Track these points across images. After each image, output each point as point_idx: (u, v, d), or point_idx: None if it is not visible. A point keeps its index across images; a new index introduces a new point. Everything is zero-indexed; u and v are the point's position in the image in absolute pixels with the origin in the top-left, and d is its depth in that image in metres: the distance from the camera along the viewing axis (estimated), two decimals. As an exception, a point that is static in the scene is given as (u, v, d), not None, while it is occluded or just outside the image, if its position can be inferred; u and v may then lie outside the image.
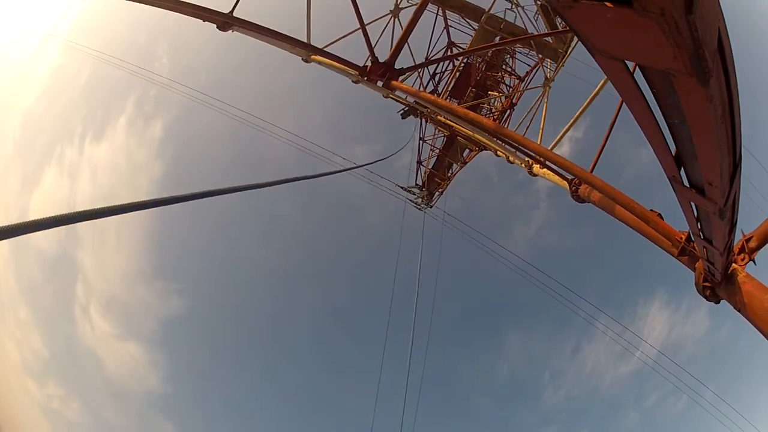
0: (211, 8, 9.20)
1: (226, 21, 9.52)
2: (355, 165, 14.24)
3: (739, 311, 5.00)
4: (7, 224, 2.85)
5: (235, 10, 9.58)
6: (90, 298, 70.96)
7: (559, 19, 16.89)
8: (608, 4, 1.47)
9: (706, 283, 5.45)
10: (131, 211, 3.86)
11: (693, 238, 5.10)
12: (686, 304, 63.59)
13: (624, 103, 7.95)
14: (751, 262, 4.99)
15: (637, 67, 2.04)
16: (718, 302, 5.51)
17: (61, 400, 66.71)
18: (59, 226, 3.08)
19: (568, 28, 15.29)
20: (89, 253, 72.63)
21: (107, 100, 77.90)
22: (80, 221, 3.35)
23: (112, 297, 72.59)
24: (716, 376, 57.72)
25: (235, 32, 10.67)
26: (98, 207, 3.54)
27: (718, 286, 5.20)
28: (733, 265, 4.97)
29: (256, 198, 74.53)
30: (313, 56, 12.79)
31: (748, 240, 4.99)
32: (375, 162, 18.89)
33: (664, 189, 3.23)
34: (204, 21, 9.69)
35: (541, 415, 68.57)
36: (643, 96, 2.18)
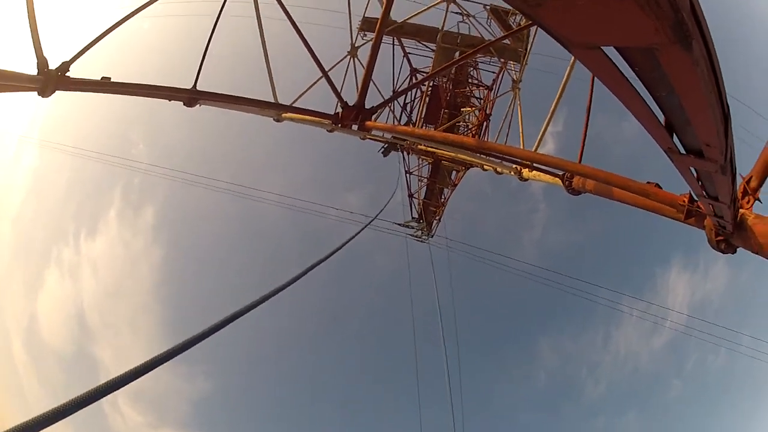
0: (174, 86, 9.17)
1: (191, 96, 9.44)
2: (367, 222, 14.22)
3: (757, 253, 4.94)
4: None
5: (197, 84, 9.58)
6: (117, 392, 70.57)
7: (513, 18, 17.01)
8: None
9: (719, 237, 5.40)
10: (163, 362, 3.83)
11: (697, 198, 5.05)
12: (703, 262, 65.58)
13: (594, 86, 8.02)
14: (757, 201, 4.94)
15: (615, 49, 2.01)
16: (734, 252, 5.43)
17: (101, 489, 66.70)
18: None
19: (523, 25, 15.42)
20: (106, 348, 72.69)
21: (93, 194, 79.78)
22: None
23: (138, 387, 72.23)
24: (750, 319, 59.44)
25: (203, 106, 10.69)
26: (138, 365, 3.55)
27: (731, 236, 5.12)
28: (741, 210, 4.91)
29: (262, 265, 74.76)
30: (283, 114, 12.81)
31: (748, 181, 4.90)
32: (380, 212, 18.90)
33: (658, 155, 3.22)
34: (170, 101, 9.68)
35: (586, 410, 69.10)
36: (627, 79, 2.12)
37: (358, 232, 11.01)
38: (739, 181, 4.72)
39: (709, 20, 1.74)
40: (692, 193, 5.17)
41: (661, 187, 6.14)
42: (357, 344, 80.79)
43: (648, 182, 6.22)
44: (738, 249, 5.34)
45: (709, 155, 2.79)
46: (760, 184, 4.80)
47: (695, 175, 3.56)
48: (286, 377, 77.01)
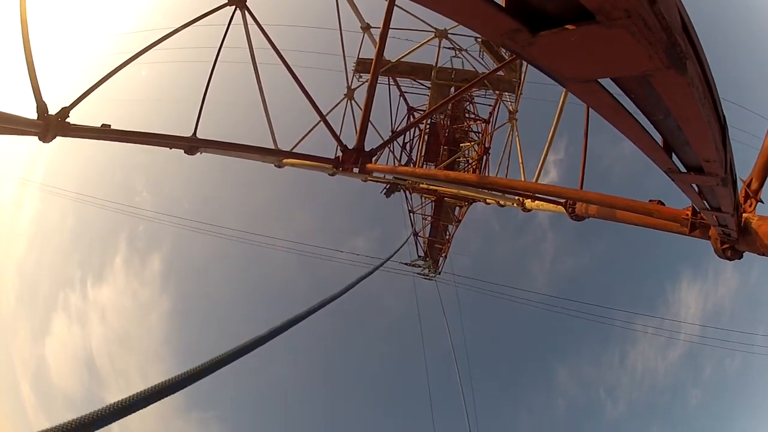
0: (174, 134, 9.20)
1: (191, 145, 9.55)
2: (377, 264, 14.11)
3: (763, 255, 4.89)
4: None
5: (197, 132, 9.63)
6: (129, 438, 70.64)
7: (504, 49, 16.99)
8: (570, 26, 1.43)
9: (725, 245, 5.35)
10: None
11: (699, 210, 5.02)
12: (712, 270, 65.43)
13: (589, 113, 8.03)
14: (759, 202, 4.91)
15: (610, 78, 1.98)
16: (741, 257, 5.39)
17: None
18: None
19: (515, 56, 15.38)
20: (117, 393, 71.45)
21: (98, 241, 79.58)
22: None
23: (149, 433, 71.73)
24: (764, 317, 59.18)
25: (203, 154, 10.72)
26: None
27: (736, 242, 5.08)
28: (744, 215, 4.88)
29: (271, 311, 74.47)
30: (284, 160, 12.86)
31: (749, 184, 4.86)
32: (394, 254, 18.92)
33: (659, 170, 3.21)
34: (171, 149, 9.76)
35: (608, 430, 68.11)
36: (624, 108, 2.11)
37: (372, 272, 10.93)
38: (739, 185, 4.70)
39: (697, 19, 1.74)
40: (694, 206, 5.16)
41: (663, 204, 6.11)
42: (370, 382, 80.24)
43: (650, 200, 6.19)
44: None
45: (710, 170, 2.78)
46: (761, 185, 4.77)
47: (696, 189, 3.55)
48: (298, 419, 76.37)
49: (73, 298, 75.64)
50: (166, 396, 3.55)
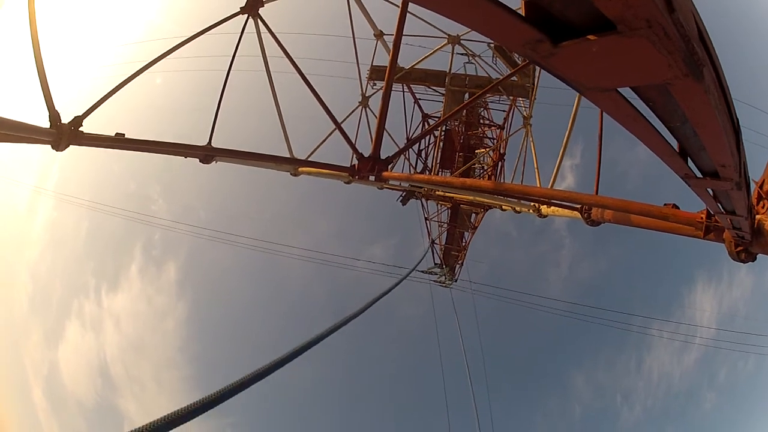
0: (189, 143, 9.23)
1: (206, 154, 9.51)
2: (403, 275, 14.03)
3: None
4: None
5: (212, 141, 9.63)
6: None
7: (517, 54, 16.95)
8: (591, 37, 1.43)
9: (738, 248, 5.34)
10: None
11: (713, 214, 4.99)
12: (726, 273, 65.59)
13: (603, 117, 8.00)
14: None
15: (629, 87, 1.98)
16: (755, 260, 5.38)
17: None
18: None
19: (528, 61, 15.28)
20: (131, 400, 72.13)
21: (113, 249, 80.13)
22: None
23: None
24: None
25: (219, 162, 10.71)
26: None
27: (750, 244, 5.07)
28: (757, 216, 4.86)
29: (288, 319, 74.49)
30: (300, 168, 12.85)
31: (761, 186, 4.86)
32: (417, 264, 18.97)
33: (673, 173, 3.21)
34: (186, 157, 9.75)
35: (623, 434, 67.79)
36: (642, 115, 2.12)
37: (398, 283, 10.93)
38: (752, 186, 4.68)
39: (709, 20, 1.73)
40: (708, 209, 5.14)
41: (678, 208, 6.09)
42: (386, 388, 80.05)
43: (665, 204, 6.16)
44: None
45: (725, 174, 2.78)
46: (774, 186, 4.76)
47: (711, 193, 3.53)
48: (313, 424, 76.28)
49: (88, 305, 76.29)
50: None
